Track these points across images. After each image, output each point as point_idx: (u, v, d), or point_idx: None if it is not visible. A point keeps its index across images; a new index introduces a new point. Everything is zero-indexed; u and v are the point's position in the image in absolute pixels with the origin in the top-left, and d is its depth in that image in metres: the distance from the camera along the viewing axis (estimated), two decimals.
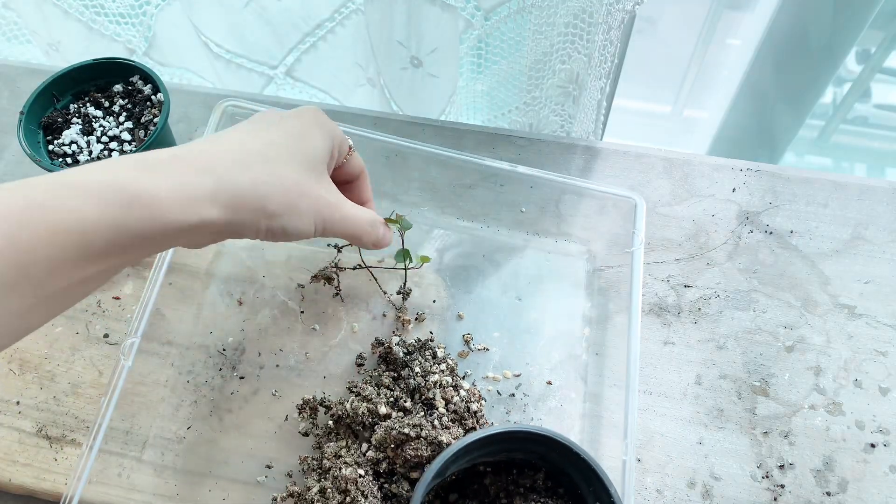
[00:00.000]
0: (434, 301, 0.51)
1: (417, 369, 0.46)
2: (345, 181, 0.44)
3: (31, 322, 0.29)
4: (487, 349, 0.49)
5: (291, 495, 0.44)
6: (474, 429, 0.45)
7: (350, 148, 0.42)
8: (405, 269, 0.50)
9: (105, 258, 0.29)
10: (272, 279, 0.51)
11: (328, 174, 0.39)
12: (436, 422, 0.43)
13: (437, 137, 0.58)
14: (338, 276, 0.51)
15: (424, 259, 0.50)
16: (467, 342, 0.49)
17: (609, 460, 0.45)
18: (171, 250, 0.47)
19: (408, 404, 0.44)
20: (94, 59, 0.53)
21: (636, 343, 0.44)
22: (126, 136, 0.51)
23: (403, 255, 0.50)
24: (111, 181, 0.29)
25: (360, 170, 0.44)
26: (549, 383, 0.48)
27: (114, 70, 0.53)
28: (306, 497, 0.43)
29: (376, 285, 0.51)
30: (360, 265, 0.51)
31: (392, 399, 0.45)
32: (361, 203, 0.44)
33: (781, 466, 0.46)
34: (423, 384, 0.45)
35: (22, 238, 0.26)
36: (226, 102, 0.51)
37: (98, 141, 0.51)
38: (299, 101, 0.62)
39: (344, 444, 0.44)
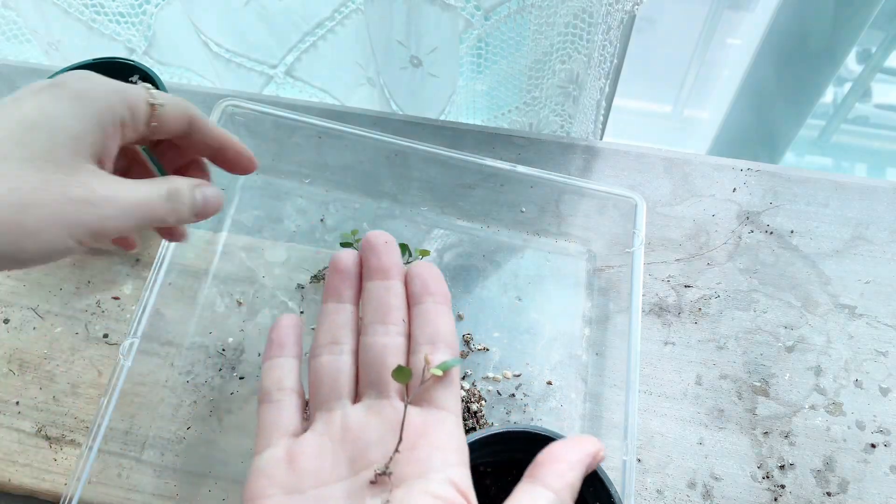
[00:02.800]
0: None
1: None
2: (169, 144, 0.35)
3: None
4: (487, 349, 0.49)
5: None
6: (474, 429, 0.45)
7: (152, 106, 0.32)
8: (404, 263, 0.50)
9: None
10: (272, 279, 0.51)
11: (89, 159, 0.29)
12: None
13: (437, 137, 0.58)
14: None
15: (423, 253, 0.50)
16: (467, 342, 0.49)
17: (609, 460, 0.45)
18: (170, 251, 0.47)
19: None
20: (93, 59, 0.53)
21: (636, 343, 0.44)
22: None
23: (401, 249, 0.50)
24: None
25: (184, 121, 0.33)
26: (550, 383, 0.48)
27: (113, 69, 0.53)
28: None
29: None
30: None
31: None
32: (214, 155, 0.36)
33: (782, 467, 0.45)
34: None
35: None
36: (225, 102, 0.51)
37: None
38: (299, 101, 0.62)
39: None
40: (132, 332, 0.44)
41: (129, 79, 0.54)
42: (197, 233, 0.53)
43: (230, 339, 0.49)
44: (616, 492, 0.38)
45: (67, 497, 0.41)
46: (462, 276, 0.52)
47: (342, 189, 0.55)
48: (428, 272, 0.33)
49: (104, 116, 0.30)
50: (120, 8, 0.64)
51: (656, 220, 0.54)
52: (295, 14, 0.61)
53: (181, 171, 0.37)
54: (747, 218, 0.54)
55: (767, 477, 0.45)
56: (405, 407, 0.30)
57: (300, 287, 0.51)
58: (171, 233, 0.38)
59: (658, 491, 0.45)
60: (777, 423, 0.47)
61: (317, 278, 0.51)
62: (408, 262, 0.51)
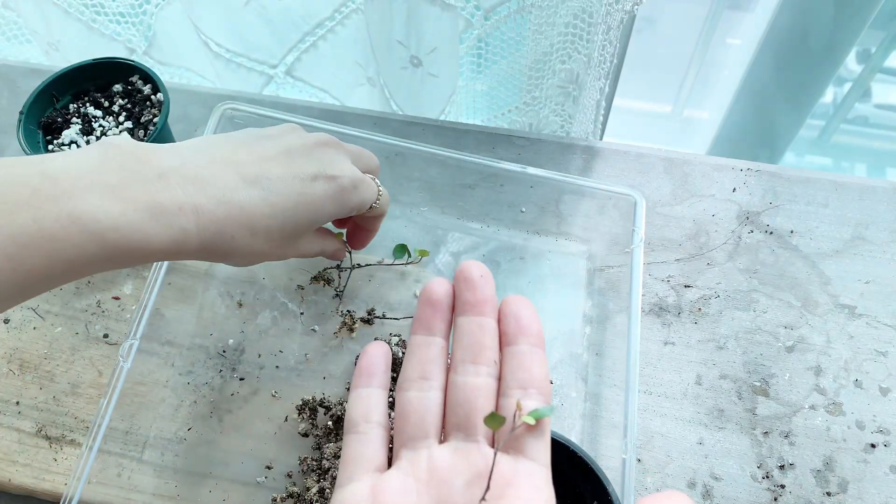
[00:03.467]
0: None
1: None
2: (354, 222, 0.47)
3: None
4: None
5: (291, 496, 0.44)
6: None
7: (372, 206, 0.42)
8: (404, 264, 0.50)
9: (83, 276, 0.33)
10: (272, 280, 0.51)
11: (313, 231, 0.41)
12: None
13: (437, 137, 0.58)
14: (339, 276, 0.51)
15: (423, 253, 0.50)
16: None
17: (609, 460, 0.45)
18: None
19: None
20: (93, 59, 0.53)
21: (636, 343, 0.44)
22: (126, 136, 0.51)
23: (401, 250, 0.50)
24: (119, 227, 0.31)
25: (376, 216, 0.45)
26: (550, 383, 0.48)
27: (113, 70, 0.53)
28: (306, 497, 0.43)
29: (376, 285, 0.51)
30: (358, 265, 0.51)
31: (392, 400, 0.44)
32: (358, 232, 0.47)
33: (782, 467, 0.45)
34: None
35: (25, 263, 0.29)
36: (224, 105, 0.51)
37: (98, 140, 0.51)
38: (299, 101, 0.62)
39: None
40: (132, 333, 0.44)
41: (129, 79, 0.54)
42: None
43: (230, 340, 0.49)
44: (615, 492, 0.38)
45: (68, 497, 0.41)
46: None
47: None
48: (523, 310, 0.32)
49: (344, 215, 0.41)
50: (120, 8, 0.64)
51: (656, 220, 0.54)
52: (295, 14, 0.61)
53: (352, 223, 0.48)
54: (747, 218, 0.54)
55: (767, 477, 0.45)
56: (494, 454, 0.28)
57: (300, 288, 0.51)
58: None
59: (658, 491, 0.45)
60: (777, 423, 0.47)
61: (316, 279, 0.51)
62: (407, 263, 0.51)
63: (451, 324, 0.33)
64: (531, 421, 0.29)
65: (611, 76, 0.56)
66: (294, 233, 0.38)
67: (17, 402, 0.48)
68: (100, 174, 0.32)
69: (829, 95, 0.97)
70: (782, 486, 0.45)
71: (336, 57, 0.64)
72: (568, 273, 0.52)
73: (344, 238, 0.48)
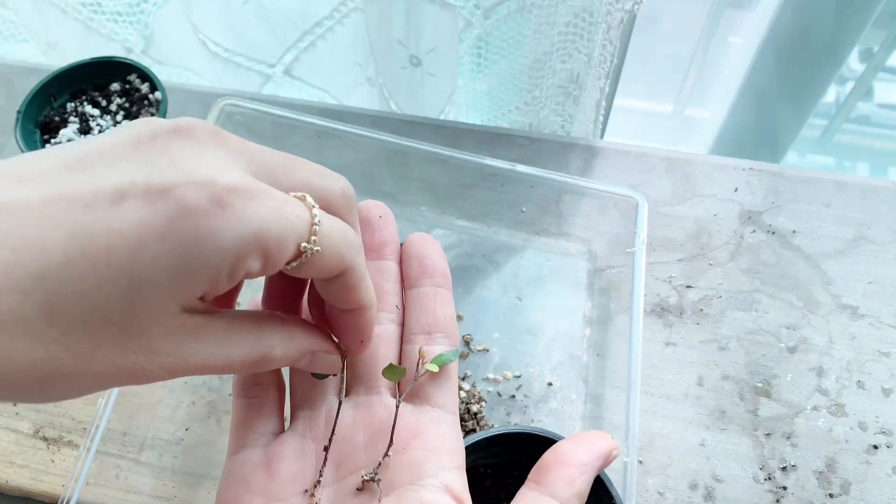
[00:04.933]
0: None
1: None
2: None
3: None
4: (487, 350, 0.49)
5: None
6: (474, 430, 0.44)
7: (302, 249, 0.22)
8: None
9: None
10: None
11: (179, 308, 0.20)
12: None
13: (436, 137, 0.57)
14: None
15: None
16: (467, 343, 0.49)
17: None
18: None
19: None
20: (91, 58, 0.53)
21: (638, 344, 0.44)
22: None
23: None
24: None
25: (334, 271, 0.24)
26: (550, 384, 0.48)
27: (111, 69, 0.53)
28: None
29: None
30: None
31: None
32: (337, 315, 0.26)
33: (784, 468, 0.45)
34: None
35: None
36: (224, 101, 0.51)
37: None
38: (298, 101, 0.62)
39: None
40: None
41: (127, 78, 0.53)
42: None
43: None
44: (617, 493, 0.38)
45: (65, 498, 0.40)
46: (462, 276, 0.51)
47: None
48: (426, 249, 0.29)
49: (223, 272, 0.20)
50: (118, 7, 0.64)
51: (657, 220, 0.54)
52: (293, 13, 0.60)
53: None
54: (749, 218, 0.54)
55: (769, 478, 0.45)
56: (397, 406, 0.27)
57: None
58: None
59: (659, 492, 0.45)
60: (779, 424, 0.46)
61: None
62: None
63: None
64: (434, 368, 0.27)
65: (611, 76, 0.56)
66: (99, 320, 0.19)
67: (15, 404, 0.47)
68: None
69: (831, 94, 0.96)
70: (784, 488, 0.45)
71: (335, 56, 0.64)
72: (568, 273, 0.52)
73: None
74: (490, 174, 0.55)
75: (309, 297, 0.28)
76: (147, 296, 0.19)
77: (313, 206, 0.22)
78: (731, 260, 0.52)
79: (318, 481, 0.26)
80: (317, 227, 0.22)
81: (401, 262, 0.30)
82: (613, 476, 0.39)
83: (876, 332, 0.49)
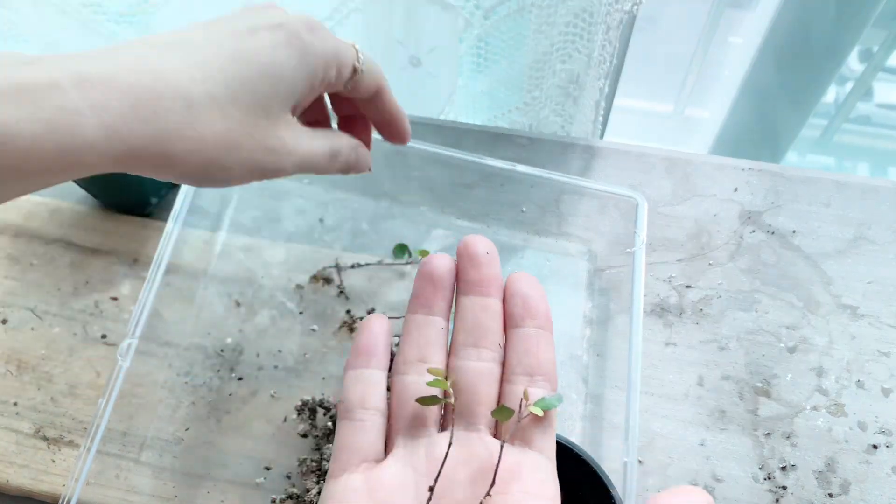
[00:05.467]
0: None
1: None
2: (350, 102, 0.36)
3: None
4: None
5: (290, 497, 0.43)
6: None
7: (355, 69, 0.33)
8: (404, 264, 0.50)
9: None
10: (270, 280, 0.51)
11: (290, 110, 0.30)
12: None
13: (436, 137, 0.57)
14: (339, 275, 0.51)
15: (423, 253, 0.50)
16: None
17: (610, 462, 0.45)
18: (168, 251, 0.47)
19: None
20: None
21: (638, 344, 0.44)
22: None
23: (401, 249, 0.50)
24: None
25: (373, 89, 0.34)
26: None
27: None
28: (305, 499, 0.43)
29: (375, 285, 0.51)
30: (357, 264, 0.51)
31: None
32: (381, 122, 0.37)
33: (783, 468, 0.45)
34: None
35: None
36: None
37: None
38: None
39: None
40: (130, 333, 0.44)
41: None
42: (195, 233, 0.52)
43: (228, 340, 0.49)
44: (617, 493, 0.38)
45: (66, 498, 0.40)
46: None
47: (341, 189, 0.55)
48: (530, 289, 0.30)
49: (319, 76, 0.30)
50: (118, 8, 0.64)
51: (657, 220, 0.54)
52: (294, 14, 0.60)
53: (349, 120, 0.38)
54: (749, 218, 0.54)
55: (769, 478, 0.45)
56: (501, 447, 0.27)
57: (299, 287, 0.51)
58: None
59: (659, 492, 0.45)
60: (779, 423, 0.47)
61: (316, 278, 0.51)
62: (407, 263, 0.50)
63: (451, 303, 0.30)
64: (539, 412, 0.27)
65: (611, 76, 0.56)
66: (257, 105, 0.28)
67: (15, 403, 0.47)
68: None
69: (831, 94, 0.96)
70: (784, 488, 0.45)
71: None
72: (568, 274, 0.52)
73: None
74: (490, 174, 0.55)
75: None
76: (281, 88, 0.29)
77: (354, 44, 0.33)
78: (731, 260, 0.52)
79: None
80: (361, 56, 0.33)
81: (504, 299, 0.30)
82: (613, 476, 0.39)
83: (876, 332, 0.49)
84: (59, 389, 0.48)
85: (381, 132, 0.38)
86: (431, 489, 0.26)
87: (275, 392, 0.47)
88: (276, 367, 0.48)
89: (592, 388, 0.48)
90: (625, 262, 0.51)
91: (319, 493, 0.42)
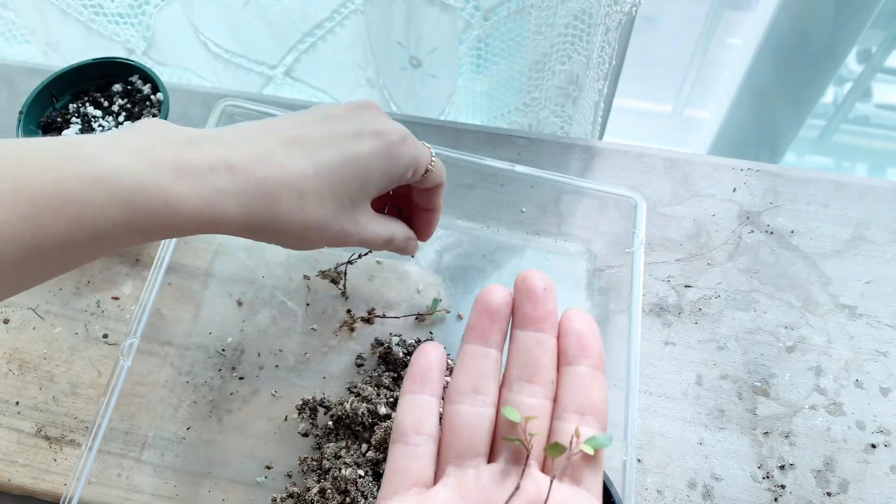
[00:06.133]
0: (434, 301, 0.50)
1: None
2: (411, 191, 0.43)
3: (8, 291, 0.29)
4: None
5: (291, 496, 0.44)
6: None
7: (428, 169, 0.40)
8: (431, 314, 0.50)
9: (114, 249, 0.30)
10: (272, 279, 0.51)
11: (369, 201, 0.37)
12: None
13: (436, 137, 0.58)
14: (344, 276, 0.50)
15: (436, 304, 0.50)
16: None
17: (609, 461, 0.45)
18: (170, 251, 0.47)
19: None
20: (93, 59, 0.53)
21: (637, 343, 0.44)
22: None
23: (435, 303, 0.50)
24: (144, 186, 0.29)
25: (435, 184, 0.41)
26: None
27: (113, 70, 0.53)
28: (306, 498, 0.43)
29: (376, 286, 0.51)
30: (359, 255, 0.49)
31: (392, 400, 0.44)
32: (421, 210, 0.43)
33: (782, 467, 0.45)
34: None
35: (45, 226, 0.27)
36: (225, 102, 0.51)
37: None
38: (298, 101, 0.62)
39: (344, 444, 0.44)
40: (132, 333, 0.44)
41: (129, 79, 0.54)
42: None
43: (230, 339, 0.49)
44: (616, 492, 0.38)
45: (67, 497, 0.41)
46: (462, 276, 0.52)
47: None
48: (585, 327, 0.30)
49: (399, 177, 0.37)
50: (119, 8, 0.64)
51: (656, 220, 0.54)
52: (294, 14, 0.61)
53: (411, 207, 0.44)
54: (748, 218, 0.54)
55: (768, 477, 0.45)
56: (551, 482, 0.27)
57: (306, 278, 0.51)
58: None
59: (658, 491, 0.45)
60: (777, 423, 0.47)
61: (325, 274, 0.50)
62: (431, 313, 0.50)
63: (506, 335, 0.31)
64: (590, 450, 0.28)
65: (610, 77, 0.56)
66: (347, 198, 0.35)
67: (17, 403, 0.48)
68: (128, 139, 0.30)
69: (829, 95, 0.97)
70: (783, 487, 0.45)
71: (335, 58, 0.64)
72: (568, 273, 0.52)
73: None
74: (490, 174, 0.55)
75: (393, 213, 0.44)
76: (368, 186, 0.36)
77: (430, 147, 0.40)
78: (730, 260, 0.52)
79: None
80: (434, 159, 0.40)
81: (559, 335, 0.31)
82: (613, 475, 0.39)
83: (874, 331, 0.50)
84: (60, 389, 0.48)
85: (413, 219, 0.44)
86: None
87: (276, 391, 0.47)
88: (276, 366, 0.48)
89: None
90: (624, 261, 0.51)
91: (320, 491, 0.42)
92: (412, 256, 0.45)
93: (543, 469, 0.29)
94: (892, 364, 0.49)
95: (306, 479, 0.44)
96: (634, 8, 0.49)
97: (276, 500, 0.44)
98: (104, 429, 0.42)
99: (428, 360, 0.30)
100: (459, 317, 0.50)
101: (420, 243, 0.45)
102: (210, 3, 0.60)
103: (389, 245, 0.41)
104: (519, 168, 0.50)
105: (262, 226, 0.32)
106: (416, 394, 0.30)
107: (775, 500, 0.45)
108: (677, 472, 0.45)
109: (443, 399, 0.30)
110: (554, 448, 0.28)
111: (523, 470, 0.28)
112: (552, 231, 0.53)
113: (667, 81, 0.98)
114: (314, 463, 0.44)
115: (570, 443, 0.28)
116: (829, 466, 0.45)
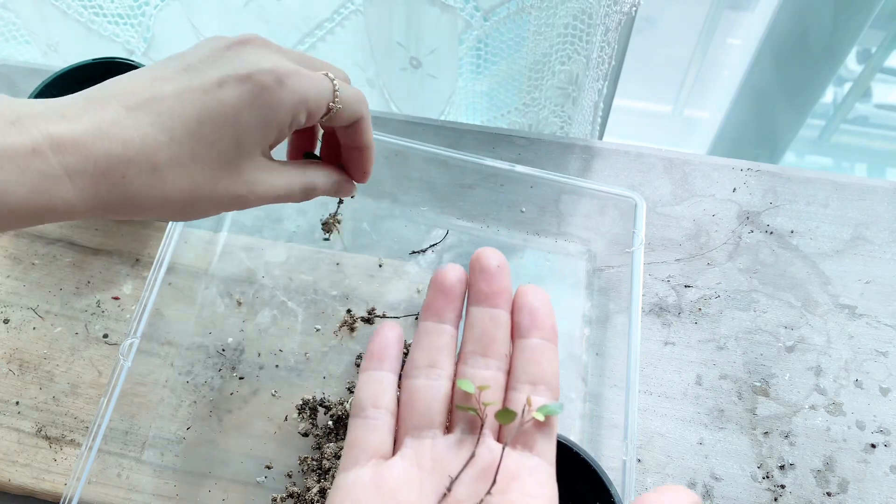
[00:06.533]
0: None
1: None
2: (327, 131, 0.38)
3: None
4: None
5: (291, 496, 0.44)
6: None
7: (329, 108, 0.33)
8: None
9: None
10: (271, 279, 0.51)
11: (259, 154, 0.32)
12: None
13: (436, 137, 0.58)
14: (337, 227, 0.47)
15: None
16: None
17: (609, 461, 0.45)
18: (170, 251, 0.47)
19: None
20: (93, 59, 0.53)
21: (636, 343, 0.44)
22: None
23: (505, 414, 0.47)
24: None
25: (350, 121, 0.35)
26: (559, 379, 0.48)
27: (113, 69, 0.53)
28: (306, 497, 0.43)
29: (376, 286, 0.51)
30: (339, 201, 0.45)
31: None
32: (348, 149, 0.37)
33: (782, 467, 0.45)
34: None
35: None
36: None
37: None
38: None
39: (344, 444, 0.44)
40: (132, 332, 0.44)
41: None
42: (196, 232, 0.53)
43: (230, 339, 0.49)
44: (616, 492, 0.38)
45: (67, 497, 0.41)
46: None
47: None
48: (537, 301, 0.31)
49: (286, 124, 0.32)
50: (119, 9, 0.64)
51: (656, 220, 0.54)
52: (294, 15, 0.61)
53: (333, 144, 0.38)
54: (747, 218, 0.54)
55: (767, 477, 0.45)
56: (503, 448, 0.28)
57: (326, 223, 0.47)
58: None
59: (647, 491, 0.45)
60: (777, 423, 0.47)
61: (326, 226, 0.47)
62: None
63: (461, 312, 0.32)
64: (541, 417, 0.29)
65: (610, 77, 0.56)
66: (221, 160, 0.30)
67: (17, 403, 0.48)
68: None
69: (829, 95, 0.97)
70: (782, 487, 0.45)
71: (335, 58, 0.64)
72: (568, 273, 0.52)
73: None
74: (490, 174, 0.55)
75: (326, 150, 0.39)
76: (245, 142, 0.31)
77: (333, 79, 0.34)
78: (730, 260, 0.53)
79: None
80: (338, 92, 0.33)
81: (512, 311, 0.31)
82: (612, 475, 0.39)
83: (874, 331, 0.50)
84: (60, 389, 0.48)
85: (344, 160, 0.38)
86: (449, 489, 0.28)
87: (276, 391, 0.47)
88: (276, 366, 0.48)
89: (591, 388, 0.48)
90: (624, 261, 0.51)
91: (320, 491, 0.42)
92: (352, 197, 0.40)
93: (498, 438, 0.30)
94: (892, 364, 0.49)
95: (306, 479, 0.44)
96: (634, 8, 0.49)
97: (276, 500, 0.44)
98: (104, 429, 0.42)
99: (385, 337, 0.31)
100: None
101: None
102: (210, 3, 0.60)
103: (310, 194, 0.36)
104: (519, 168, 0.50)
105: (114, 207, 0.29)
106: (374, 370, 0.31)
107: (775, 499, 0.45)
108: (677, 472, 0.45)
109: (401, 376, 0.31)
110: (504, 414, 0.29)
111: (478, 438, 0.29)
112: (552, 231, 0.53)
113: (666, 82, 0.98)
114: (314, 463, 0.44)
115: (523, 411, 0.29)
116: (828, 466, 0.45)
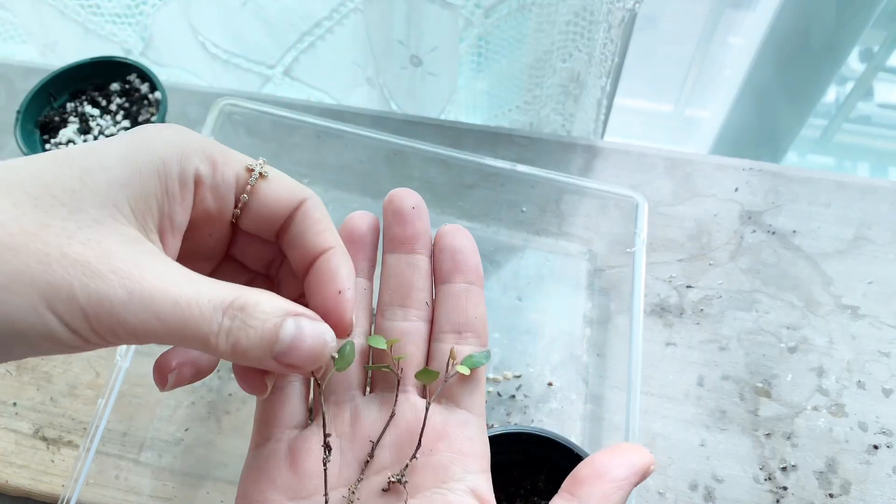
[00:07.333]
0: None
1: None
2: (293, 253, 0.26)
3: None
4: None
5: None
6: None
7: (251, 170, 0.25)
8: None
9: None
10: None
11: (147, 226, 0.22)
12: None
13: (437, 137, 0.57)
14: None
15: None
16: None
17: None
18: None
19: None
20: (91, 58, 0.53)
21: (638, 344, 0.44)
22: None
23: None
24: None
25: (287, 210, 0.25)
26: (550, 384, 0.48)
27: (111, 69, 0.53)
28: None
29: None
30: None
31: None
32: (325, 301, 0.25)
33: (784, 468, 0.45)
34: None
35: None
36: (223, 101, 0.51)
37: (95, 140, 0.50)
38: (297, 101, 0.62)
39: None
40: None
41: (127, 78, 0.53)
42: None
43: None
44: None
45: (65, 499, 0.40)
46: None
47: (341, 188, 0.55)
48: (459, 242, 0.28)
49: (167, 166, 0.22)
50: (116, 9, 0.64)
51: (658, 220, 0.54)
52: (293, 14, 0.60)
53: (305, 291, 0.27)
54: (749, 218, 0.54)
55: (770, 478, 0.45)
56: (426, 409, 0.26)
57: None
58: (243, 377, 0.26)
59: (659, 493, 0.45)
60: (779, 424, 0.46)
61: None
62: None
63: (374, 262, 0.29)
64: (465, 371, 0.27)
65: (612, 74, 0.56)
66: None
67: (15, 404, 0.47)
68: None
69: (831, 94, 0.96)
70: (784, 488, 0.45)
71: (334, 57, 0.64)
72: (569, 274, 0.52)
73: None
74: (490, 174, 0.55)
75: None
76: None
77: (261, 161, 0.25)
78: (732, 260, 0.52)
79: (360, 479, 0.26)
80: (264, 161, 0.25)
81: (432, 255, 0.29)
82: None
83: (876, 332, 0.49)
84: (58, 390, 0.48)
85: (309, 301, 0.26)
86: (371, 455, 0.26)
87: None
88: None
89: (593, 389, 0.48)
90: (625, 262, 0.51)
91: None
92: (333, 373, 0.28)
93: (424, 394, 0.28)
94: (895, 365, 0.48)
95: None
96: (637, 4, 0.49)
97: None
98: (102, 430, 0.42)
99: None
100: None
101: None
102: (208, 2, 0.60)
103: (231, 331, 0.22)
104: (520, 168, 0.50)
105: None
106: None
107: (777, 501, 0.44)
108: (679, 474, 0.45)
109: None
110: (425, 374, 0.27)
111: (395, 397, 0.27)
112: (553, 231, 0.53)
113: (668, 81, 0.98)
114: None
115: (448, 364, 0.27)
116: (831, 468, 0.45)
